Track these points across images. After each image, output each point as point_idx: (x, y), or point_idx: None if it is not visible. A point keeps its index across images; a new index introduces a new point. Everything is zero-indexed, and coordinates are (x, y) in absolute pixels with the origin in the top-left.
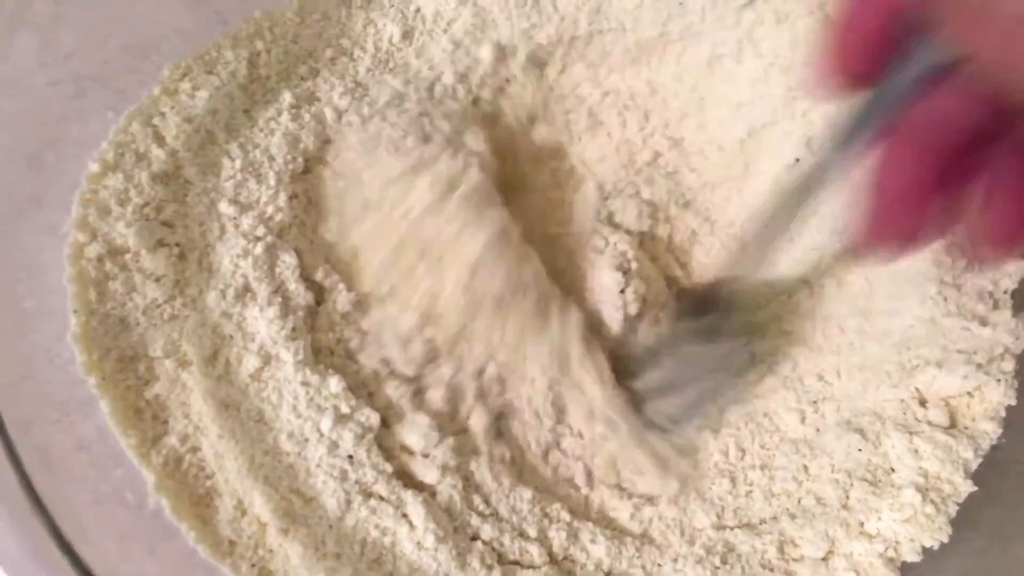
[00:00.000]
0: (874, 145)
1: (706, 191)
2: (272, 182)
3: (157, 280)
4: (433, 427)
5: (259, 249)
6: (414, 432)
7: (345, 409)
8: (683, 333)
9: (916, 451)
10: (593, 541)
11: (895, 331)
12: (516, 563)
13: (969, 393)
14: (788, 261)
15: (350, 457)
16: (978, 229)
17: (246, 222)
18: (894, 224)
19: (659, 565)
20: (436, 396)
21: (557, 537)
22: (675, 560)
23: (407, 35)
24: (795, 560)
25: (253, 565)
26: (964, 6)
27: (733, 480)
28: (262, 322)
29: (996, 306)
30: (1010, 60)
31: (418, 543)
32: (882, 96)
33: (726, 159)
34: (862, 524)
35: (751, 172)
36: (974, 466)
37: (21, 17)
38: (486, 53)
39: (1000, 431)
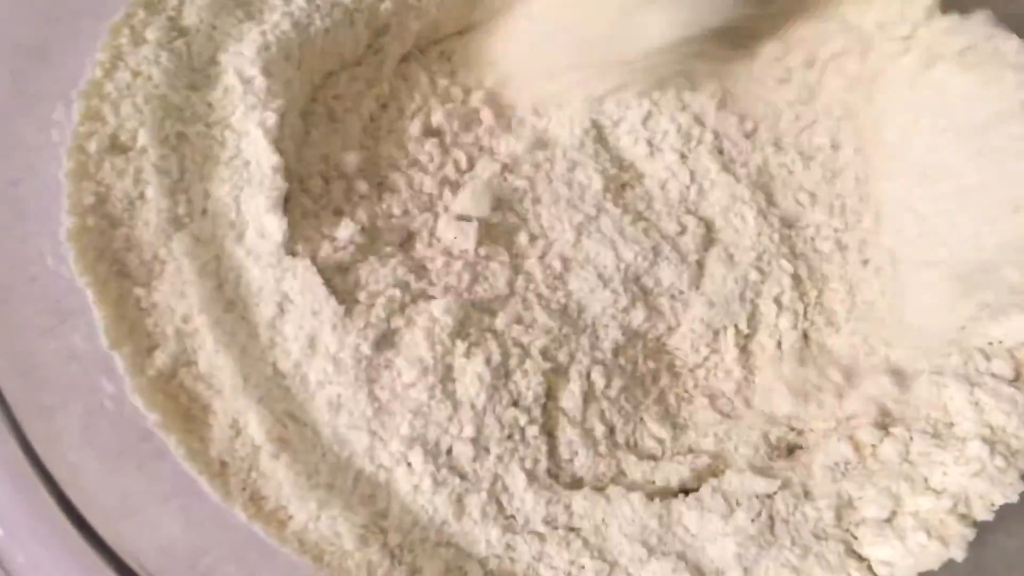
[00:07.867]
0: None
1: None
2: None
3: (161, 178)
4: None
5: (278, 132)
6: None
7: (361, 326)
8: None
9: (977, 403)
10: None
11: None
12: (515, 517)
13: None
14: None
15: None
16: None
17: (269, 97)
18: None
19: (695, 536)
20: None
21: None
22: (714, 533)
23: None
24: (856, 524)
25: (244, 488)
26: None
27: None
28: (275, 222)
29: None
30: None
31: (415, 486)
32: None
33: None
34: (927, 480)
35: None
36: None
37: None
38: None
39: None
